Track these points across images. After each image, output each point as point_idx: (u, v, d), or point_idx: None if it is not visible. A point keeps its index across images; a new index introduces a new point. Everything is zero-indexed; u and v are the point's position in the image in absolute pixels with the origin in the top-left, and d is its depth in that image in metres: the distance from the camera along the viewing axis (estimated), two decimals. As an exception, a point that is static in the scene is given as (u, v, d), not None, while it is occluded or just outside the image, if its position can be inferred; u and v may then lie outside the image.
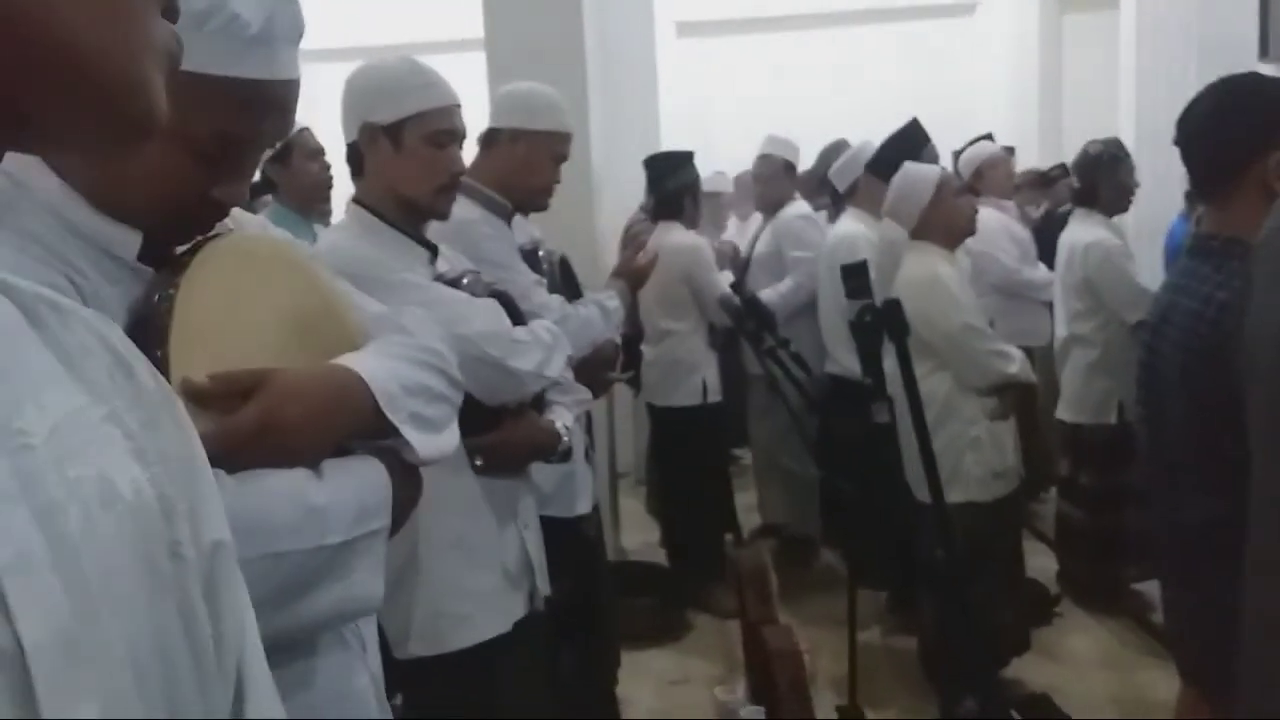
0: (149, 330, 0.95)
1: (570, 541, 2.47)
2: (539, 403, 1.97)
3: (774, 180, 4.52)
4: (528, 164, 2.46)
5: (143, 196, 0.97)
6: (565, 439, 1.96)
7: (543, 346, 1.93)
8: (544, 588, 1.99)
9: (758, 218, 4.86)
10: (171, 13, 0.50)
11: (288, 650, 1.03)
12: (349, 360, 1.09)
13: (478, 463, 1.83)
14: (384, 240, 1.83)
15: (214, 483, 0.61)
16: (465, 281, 1.89)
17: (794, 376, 2.27)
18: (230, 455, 0.94)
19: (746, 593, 3.64)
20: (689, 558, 4.23)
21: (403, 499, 1.10)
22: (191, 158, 0.97)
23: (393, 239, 1.84)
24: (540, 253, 2.57)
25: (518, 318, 1.93)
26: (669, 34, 7.59)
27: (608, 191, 4.45)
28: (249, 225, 1.19)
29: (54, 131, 0.48)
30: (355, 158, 1.87)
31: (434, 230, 2.35)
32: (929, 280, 3.03)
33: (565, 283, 2.68)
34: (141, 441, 0.54)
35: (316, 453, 1.03)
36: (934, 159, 3.76)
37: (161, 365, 0.93)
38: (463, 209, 2.47)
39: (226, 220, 1.10)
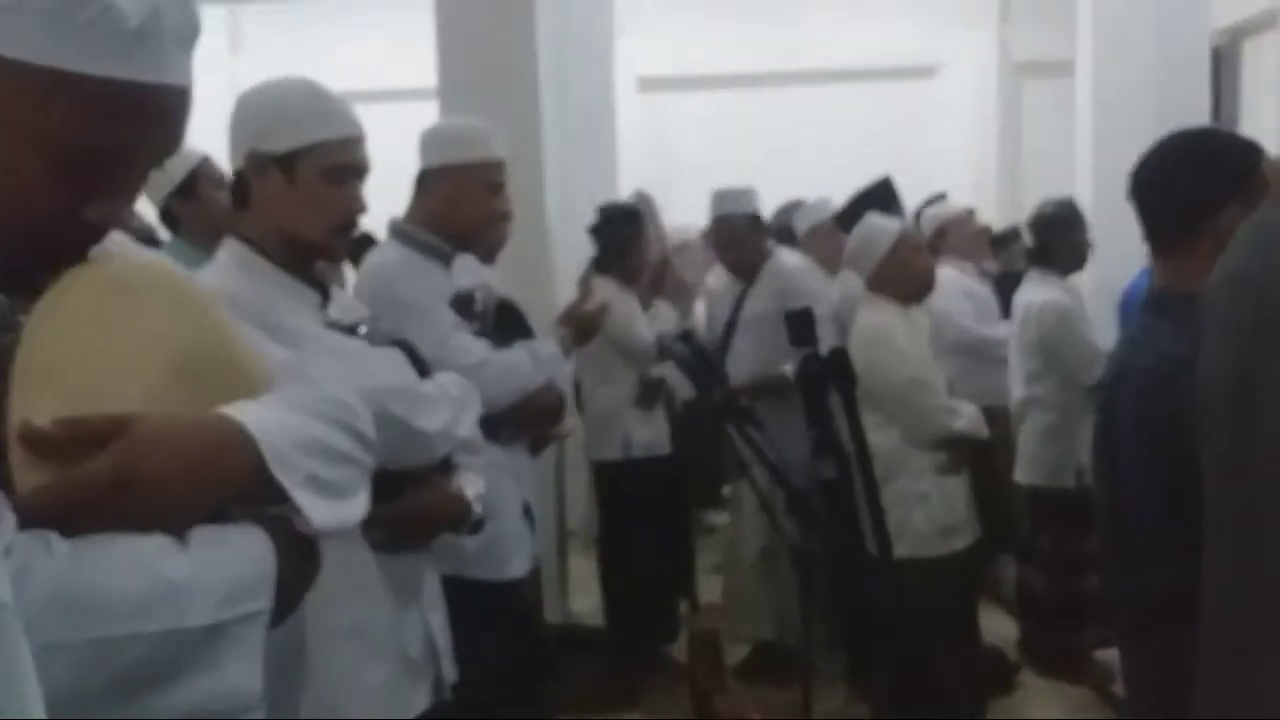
0: None
1: (500, 609, 2.33)
2: (445, 465, 1.76)
3: (742, 240, 3.92)
4: (461, 198, 2.38)
5: (2, 216, 0.84)
6: (476, 509, 1.76)
7: (451, 403, 1.73)
8: (450, 675, 1.78)
9: (716, 277, 4.50)
10: None
11: None
12: (234, 410, 0.94)
13: (375, 536, 1.60)
14: (267, 281, 1.63)
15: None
16: (361, 329, 1.71)
17: (749, 435, 2.19)
18: (73, 514, 0.81)
19: (694, 659, 3.54)
20: (628, 621, 4.10)
21: (293, 577, 0.95)
22: (53, 169, 0.84)
23: (277, 280, 1.64)
24: (476, 296, 2.47)
25: (421, 368, 1.77)
26: (630, 88, 7.61)
27: (563, 244, 4.39)
28: (132, 254, 1.04)
29: None
30: (239, 188, 1.67)
31: (360, 274, 2.25)
32: (877, 332, 3.02)
33: (508, 328, 2.57)
34: None
35: (182, 517, 0.88)
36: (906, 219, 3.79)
37: (1, 406, 0.82)
38: (386, 252, 2.39)
39: (110, 250, 0.97)
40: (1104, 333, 3.90)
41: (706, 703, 3.48)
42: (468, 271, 2.50)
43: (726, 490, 5.43)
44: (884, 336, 3.01)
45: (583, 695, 3.60)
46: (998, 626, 3.87)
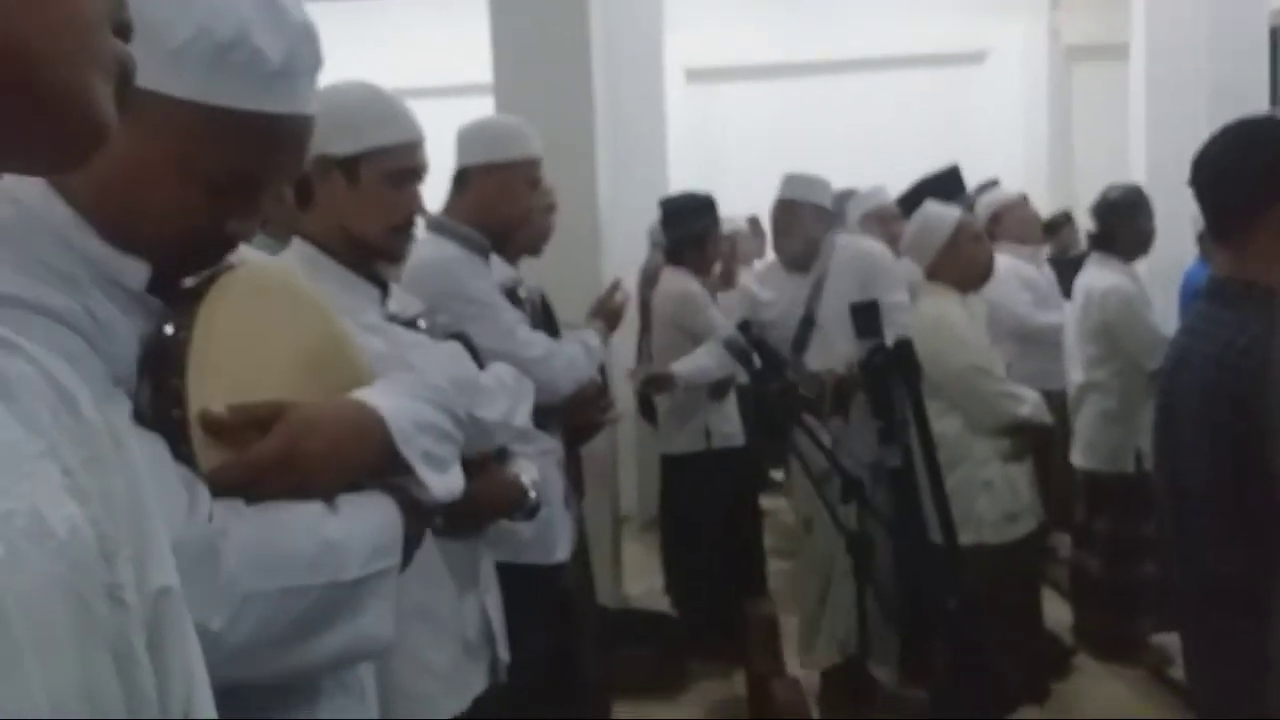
0: (163, 361, 0.96)
1: (547, 591, 2.39)
2: (501, 454, 1.82)
3: (801, 229, 3.66)
4: (502, 195, 2.44)
5: (155, 228, 0.95)
6: (532, 494, 1.81)
7: (509, 394, 1.81)
8: (504, 656, 1.85)
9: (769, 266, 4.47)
10: (124, 30, 0.49)
11: (294, 694, 1.03)
12: (365, 395, 1.09)
13: (437, 522, 1.67)
14: (333, 278, 1.69)
15: (162, 526, 0.58)
16: (421, 324, 1.77)
17: (805, 424, 2.22)
18: (250, 486, 0.96)
19: (753, 643, 3.57)
20: (693, 607, 4.15)
21: (411, 538, 1.09)
22: (207, 191, 0.96)
23: (341, 277, 1.70)
24: (521, 291, 2.54)
25: (478, 361, 1.84)
26: (678, 80, 7.64)
27: (614, 236, 4.44)
28: (255, 259, 1.16)
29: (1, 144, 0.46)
30: (304, 188, 1.72)
31: (412, 269, 2.31)
32: (937, 321, 3.03)
33: (545, 323, 2.65)
34: (81, 479, 0.51)
35: (333, 487, 1.03)
36: (966, 208, 3.78)
37: (178, 396, 0.95)
38: (440, 248, 2.43)
39: (234, 254, 1.08)
40: (1162, 317, 3.89)
41: (762, 687, 3.53)
42: (497, 269, 2.55)
43: (779, 475, 5.48)
44: (945, 325, 3.02)
45: (638, 679, 3.66)
46: (1053, 611, 3.86)
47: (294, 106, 0.98)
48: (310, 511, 0.99)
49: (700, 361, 3.75)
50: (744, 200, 5.69)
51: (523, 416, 1.86)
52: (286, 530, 0.96)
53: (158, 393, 0.95)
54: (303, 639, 0.97)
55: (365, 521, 1.03)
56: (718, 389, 4.05)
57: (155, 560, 0.56)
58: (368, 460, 1.07)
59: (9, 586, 0.44)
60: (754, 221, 5.72)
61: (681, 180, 6.14)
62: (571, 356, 2.49)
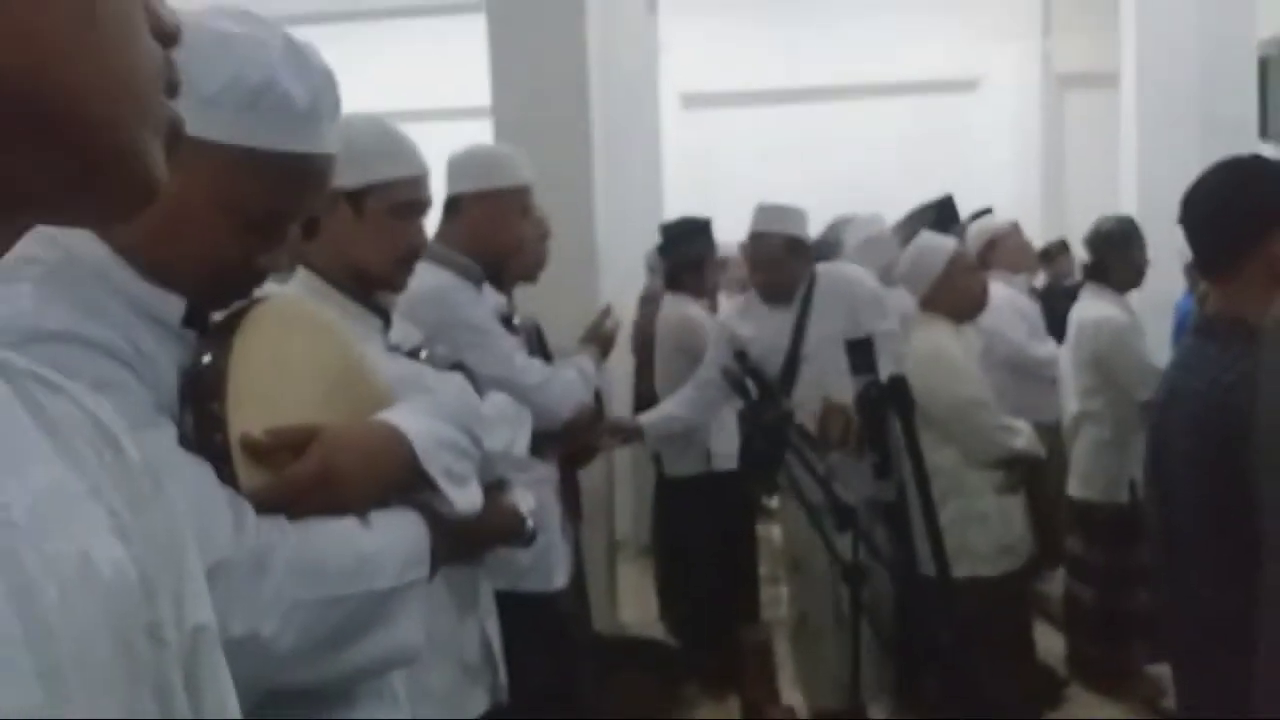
0: (204, 389, 1.02)
1: (544, 618, 2.40)
2: (500, 483, 1.80)
3: (774, 263, 3.46)
4: (494, 223, 2.45)
5: (191, 264, 1.02)
6: (530, 523, 1.80)
7: (509, 423, 1.84)
8: (503, 679, 1.86)
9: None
10: (173, 90, 0.51)
11: (326, 701, 1.08)
12: (389, 416, 1.16)
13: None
14: (335, 308, 1.70)
15: (198, 563, 0.60)
16: (423, 354, 1.79)
17: (801, 452, 2.23)
18: (289, 504, 1.03)
19: (747, 670, 3.58)
20: (688, 633, 4.15)
21: (436, 551, 1.15)
22: (239, 227, 1.02)
23: (344, 307, 1.72)
24: (515, 320, 2.55)
25: (477, 390, 1.88)
26: (673, 105, 7.70)
27: (611, 260, 4.46)
28: (278, 291, 1.25)
29: (58, 201, 0.49)
30: (310, 220, 1.79)
31: (409, 298, 2.33)
32: (934, 353, 3.03)
33: (539, 351, 2.67)
34: (125, 519, 0.53)
35: (365, 503, 1.09)
36: (959, 236, 3.79)
37: (219, 421, 1.01)
38: (434, 276, 2.40)
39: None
40: (1155, 348, 3.91)
41: (757, 713, 3.53)
42: (486, 295, 2.56)
43: (774, 502, 5.48)
44: (942, 357, 3.02)
45: (634, 705, 3.66)
46: (1045, 641, 3.87)
47: (319, 146, 1.06)
48: (346, 526, 1.06)
49: (668, 410, 3.67)
50: (739, 226, 5.72)
51: (521, 446, 1.89)
52: (326, 543, 1.03)
53: (200, 419, 1.01)
54: (342, 646, 1.03)
55: (396, 535, 1.10)
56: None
57: (192, 598, 0.57)
58: (395, 477, 1.13)
59: (60, 630, 0.45)
60: (744, 247, 5.75)
61: (677, 205, 6.19)
62: (568, 382, 2.51)
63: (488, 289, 2.55)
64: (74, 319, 0.93)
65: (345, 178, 1.65)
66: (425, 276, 2.49)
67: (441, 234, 2.51)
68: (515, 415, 1.90)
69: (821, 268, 3.55)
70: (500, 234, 2.46)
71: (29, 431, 0.50)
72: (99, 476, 0.52)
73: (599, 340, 2.83)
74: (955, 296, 3.12)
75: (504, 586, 1.99)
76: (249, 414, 1.03)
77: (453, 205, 2.50)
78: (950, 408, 2.98)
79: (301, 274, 1.76)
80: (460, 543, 1.71)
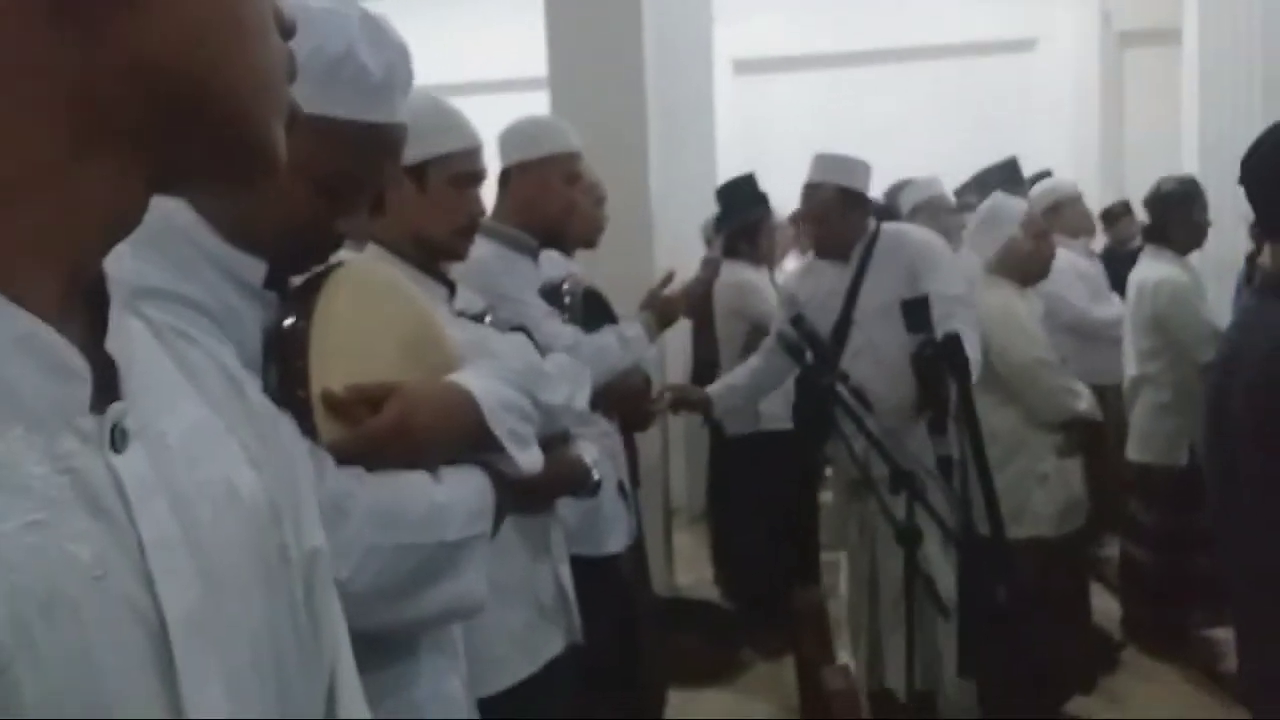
0: (288, 347, 1.07)
1: (601, 583, 2.45)
2: (564, 435, 1.92)
3: (826, 215, 3.26)
4: (540, 192, 2.51)
5: (273, 228, 1.07)
6: (595, 473, 1.93)
7: (568, 379, 1.90)
8: (577, 622, 1.96)
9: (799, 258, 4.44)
10: (292, 76, 0.58)
11: (392, 651, 1.13)
12: (459, 378, 1.21)
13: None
14: (406, 278, 1.84)
15: (312, 494, 0.67)
16: (487, 319, 1.90)
17: (857, 415, 2.24)
18: (369, 456, 1.08)
19: (803, 631, 3.62)
20: (743, 595, 4.19)
21: (500, 508, 1.21)
22: (319, 194, 1.07)
23: (413, 277, 1.78)
24: (565, 286, 2.60)
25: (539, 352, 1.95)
26: (726, 71, 7.65)
27: (665, 225, 4.49)
28: (355, 258, 1.29)
29: (198, 177, 0.56)
30: (377, 196, 1.87)
31: (458, 271, 2.41)
32: (1003, 313, 3.03)
33: (595, 316, 2.70)
34: (254, 452, 0.60)
35: (438, 458, 1.14)
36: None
37: (301, 377, 1.07)
38: (480, 248, 2.52)
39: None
40: (1216, 309, 3.86)
41: (812, 675, 3.57)
42: (553, 264, 2.62)
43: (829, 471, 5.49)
44: (1010, 316, 3.03)
45: (690, 666, 3.72)
46: (1101, 604, 3.86)
47: (392, 116, 1.10)
48: (419, 479, 1.10)
49: (736, 379, 3.61)
50: (793, 191, 5.70)
51: (581, 400, 1.96)
52: (401, 493, 1.08)
53: (284, 375, 1.06)
54: (412, 593, 1.07)
55: (464, 489, 1.14)
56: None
57: (308, 522, 0.65)
58: (464, 436, 1.18)
59: (212, 541, 0.52)
60: (794, 216, 5.74)
61: (730, 171, 6.18)
62: (601, 347, 2.54)
63: (553, 257, 2.60)
64: (169, 278, 0.98)
65: (407, 154, 1.76)
66: (474, 250, 2.57)
67: (495, 209, 2.58)
68: (575, 373, 1.97)
69: (886, 226, 3.32)
70: (547, 202, 2.52)
71: (173, 374, 0.57)
72: (232, 415, 0.60)
73: (657, 307, 2.85)
74: (1023, 260, 3.12)
75: None
76: (330, 371, 1.08)
77: (503, 179, 2.57)
78: (1019, 367, 2.99)
79: (371, 249, 1.84)
80: (527, 492, 1.83)
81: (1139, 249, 4.09)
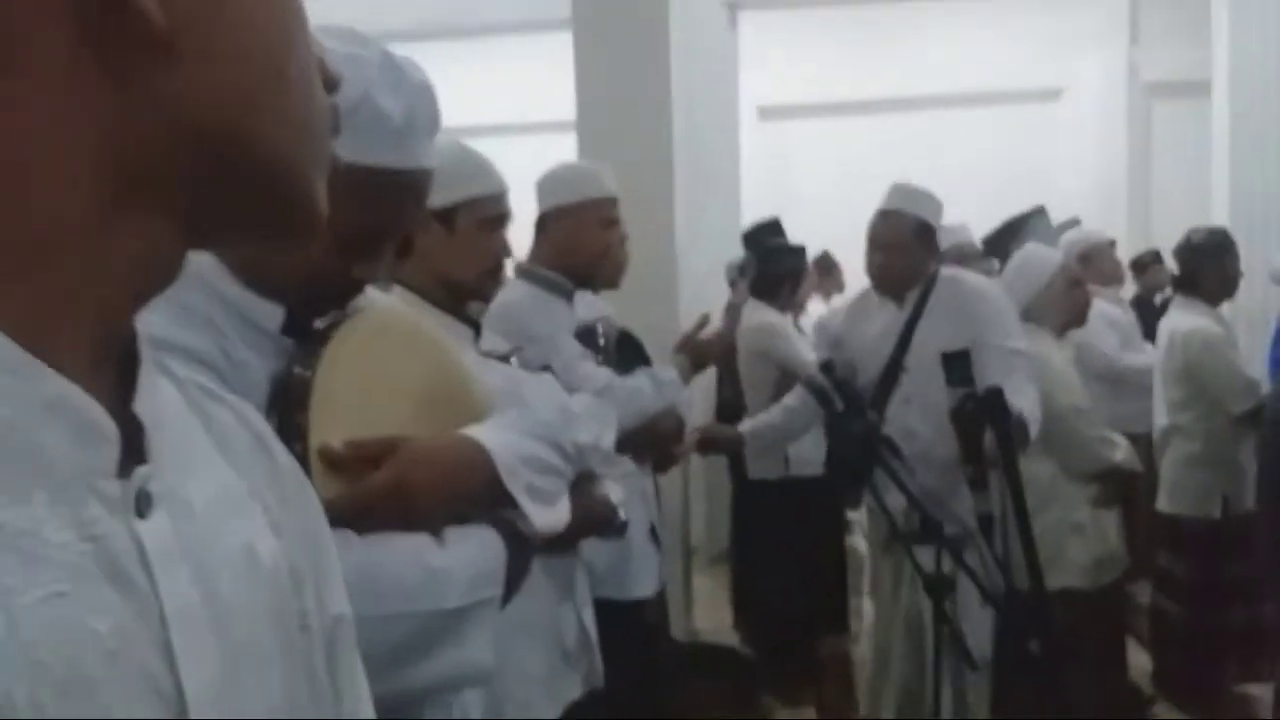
0: (290, 397, 1.03)
1: (629, 628, 2.42)
2: (590, 474, 1.95)
3: (899, 246, 3.07)
4: (577, 236, 2.53)
5: (289, 275, 1.03)
6: (621, 514, 1.94)
7: (595, 419, 1.93)
8: (599, 666, 1.93)
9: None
10: (335, 130, 0.57)
11: (396, 717, 1.05)
12: (473, 431, 1.14)
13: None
14: (433, 321, 1.79)
15: (336, 558, 0.65)
16: (513, 360, 1.89)
17: (889, 466, 2.22)
18: (360, 516, 1.01)
19: (826, 680, 3.57)
20: (764, 643, 4.14)
21: (515, 570, 1.13)
22: (337, 241, 1.02)
23: (439, 319, 1.83)
24: (599, 328, 2.60)
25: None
26: (751, 117, 7.70)
27: (690, 269, 4.50)
28: (381, 301, 1.25)
29: (237, 235, 0.55)
30: (404, 239, 1.87)
31: (489, 312, 2.41)
32: (1039, 362, 3.00)
33: (628, 358, 2.69)
34: (277, 516, 0.58)
35: (440, 518, 1.07)
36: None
37: (301, 431, 1.01)
38: (511, 291, 2.53)
39: (361, 296, 1.16)
40: (1247, 360, 3.82)
41: (834, 724, 3.51)
42: (587, 306, 2.64)
43: (855, 515, 5.44)
44: (1047, 366, 3.00)
45: (709, 712, 3.66)
46: (1131, 657, 3.79)
47: (414, 161, 1.06)
48: (417, 542, 1.04)
49: (771, 419, 3.52)
50: (814, 237, 5.72)
51: (608, 440, 1.95)
52: (392, 558, 1.01)
53: (283, 428, 1.00)
54: (405, 664, 1.01)
55: (469, 552, 1.07)
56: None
57: (331, 589, 0.62)
58: (474, 493, 1.11)
59: (233, 612, 0.50)
60: (824, 257, 5.75)
61: (754, 217, 6.20)
62: (633, 390, 2.52)
63: (587, 298, 2.61)
64: (168, 327, 0.94)
65: (437, 198, 1.78)
66: (509, 292, 2.60)
67: (532, 251, 2.61)
68: (601, 413, 1.96)
69: (944, 271, 3.13)
70: (583, 245, 2.54)
71: (200, 436, 0.55)
72: (256, 477, 0.58)
73: (691, 350, 2.82)
74: (1058, 309, 3.11)
75: None
76: (332, 424, 1.03)
77: (540, 224, 2.60)
78: (1056, 416, 2.95)
79: (397, 291, 1.87)
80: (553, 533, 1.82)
81: (1168, 299, 4.07)
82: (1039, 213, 4.03)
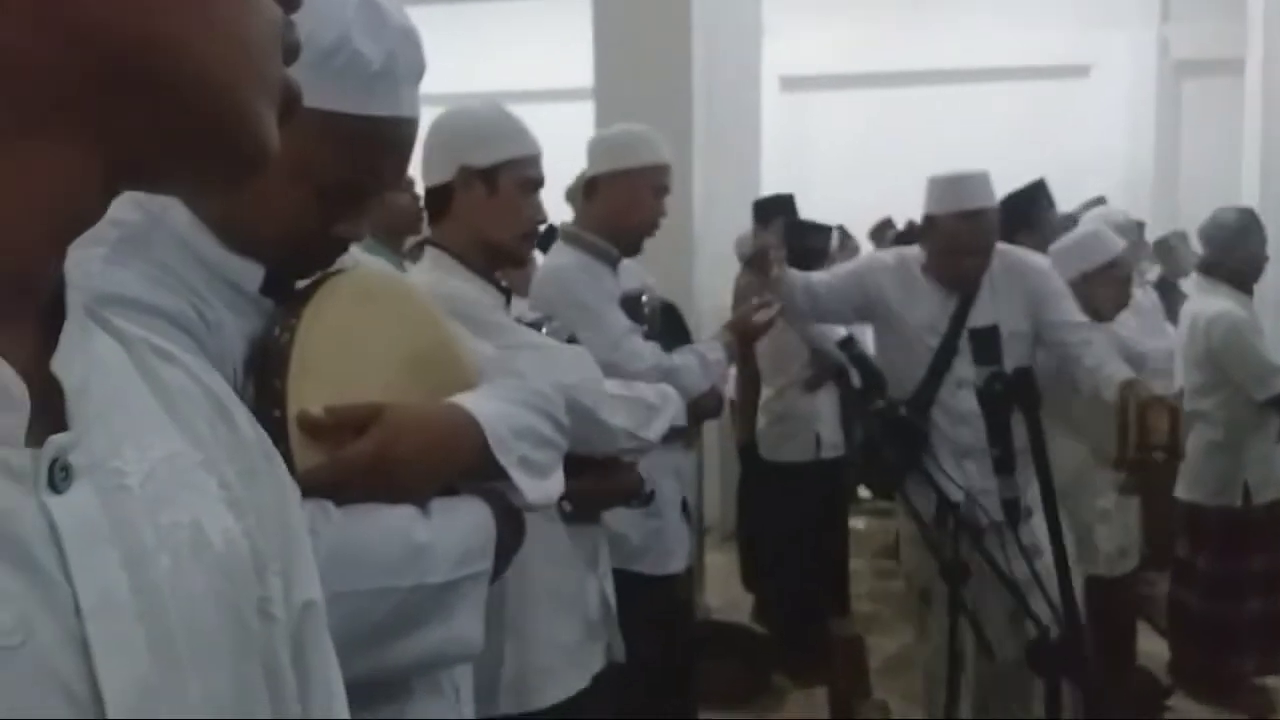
0: (268, 362, 0.97)
1: (660, 601, 2.40)
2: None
3: (991, 246, 2.87)
4: (630, 203, 2.46)
5: (268, 232, 0.98)
6: (649, 484, 1.91)
7: (645, 407, 1.90)
8: (618, 637, 1.94)
9: None
10: (292, 53, 0.49)
11: (383, 694, 1.03)
12: (462, 400, 1.08)
13: (565, 509, 1.77)
14: (465, 283, 1.80)
15: (307, 539, 0.59)
16: (545, 328, 1.89)
17: (906, 446, 2.17)
18: (340, 487, 0.96)
19: (839, 661, 3.53)
20: (776, 622, 4.11)
21: (506, 544, 1.09)
22: (316, 195, 0.98)
23: (473, 282, 1.81)
24: (644, 299, 2.54)
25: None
26: (772, 88, 7.60)
27: (707, 240, 4.44)
28: (368, 263, 1.20)
29: (168, 169, 0.47)
30: (441, 199, 1.83)
31: (537, 276, 2.36)
32: None
33: (669, 330, 2.63)
34: (237, 492, 0.52)
35: (425, 490, 1.03)
36: (1056, 222, 3.66)
37: (279, 396, 0.96)
38: (560, 256, 2.50)
39: (346, 257, 1.10)
40: (1273, 345, 3.74)
41: (846, 706, 3.48)
42: (628, 274, 2.57)
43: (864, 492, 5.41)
44: None
45: (721, 690, 3.64)
46: (1149, 647, 3.75)
47: (396, 109, 0.99)
48: (401, 515, 0.99)
49: (805, 281, 3.08)
50: (833, 209, 5.65)
51: (657, 431, 1.94)
52: (374, 532, 0.96)
53: (260, 393, 0.96)
54: (389, 640, 0.97)
55: (456, 526, 1.02)
56: (813, 382, 4.00)
57: (300, 574, 0.56)
58: (461, 464, 1.06)
59: (172, 599, 0.44)
60: (840, 231, 5.68)
61: (773, 189, 6.12)
62: (682, 368, 2.45)
63: (631, 267, 2.57)
64: (141, 286, 0.90)
65: (480, 157, 1.80)
66: (555, 257, 2.55)
67: (580, 217, 2.57)
68: (658, 401, 1.96)
69: (1000, 249, 2.92)
70: (631, 213, 2.48)
71: (146, 400, 0.49)
72: (212, 448, 0.52)
73: (740, 329, 2.70)
74: (1096, 295, 3.03)
75: (615, 565, 2.03)
76: (312, 390, 0.97)
77: (590, 188, 2.53)
78: (1088, 399, 2.89)
79: (431, 252, 1.86)
80: (581, 502, 1.79)
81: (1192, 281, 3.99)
82: (1038, 185, 3.91)
